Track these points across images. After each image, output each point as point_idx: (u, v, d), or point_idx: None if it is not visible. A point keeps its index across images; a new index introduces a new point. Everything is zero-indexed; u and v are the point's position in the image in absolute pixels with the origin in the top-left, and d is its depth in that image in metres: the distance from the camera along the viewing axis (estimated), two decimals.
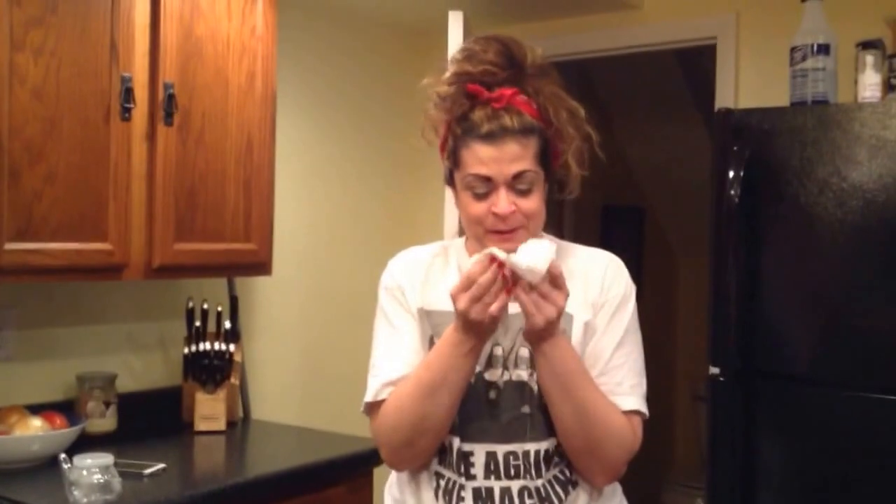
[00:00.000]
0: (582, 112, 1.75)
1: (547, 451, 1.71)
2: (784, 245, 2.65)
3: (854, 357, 2.54)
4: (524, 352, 1.72)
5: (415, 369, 1.71)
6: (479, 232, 1.71)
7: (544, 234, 1.80)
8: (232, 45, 2.98)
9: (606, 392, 1.70)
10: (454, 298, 1.59)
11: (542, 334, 1.61)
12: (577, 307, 1.73)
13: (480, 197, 1.68)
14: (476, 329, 1.61)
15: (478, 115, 1.68)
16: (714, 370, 2.72)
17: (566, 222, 5.18)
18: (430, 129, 1.79)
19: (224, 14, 2.95)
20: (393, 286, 1.82)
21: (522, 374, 1.72)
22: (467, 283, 1.58)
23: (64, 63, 2.54)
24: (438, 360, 1.66)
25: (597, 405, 1.66)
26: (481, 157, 1.66)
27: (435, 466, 1.75)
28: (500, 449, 1.71)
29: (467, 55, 1.73)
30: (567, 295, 1.59)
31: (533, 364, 1.70)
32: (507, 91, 1.69)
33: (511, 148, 1.65)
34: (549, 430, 1.70)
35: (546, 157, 1.71)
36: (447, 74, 1.75)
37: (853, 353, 2.54)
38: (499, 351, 1.73)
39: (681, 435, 5.94)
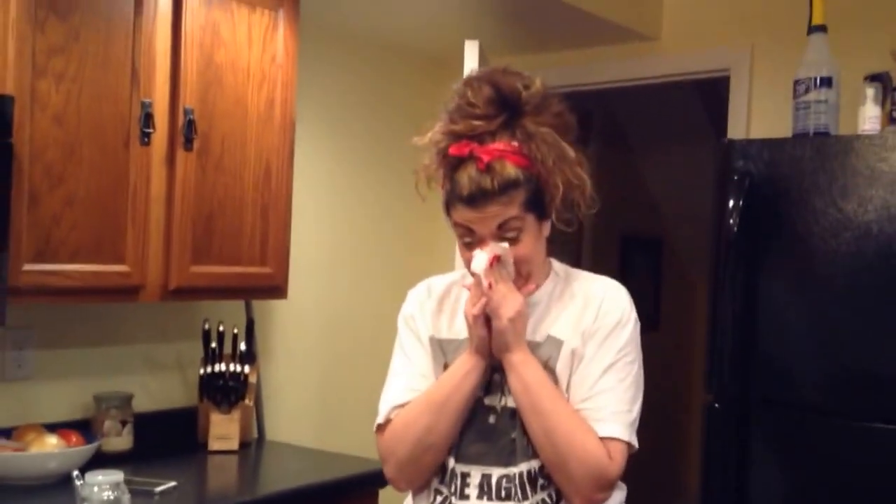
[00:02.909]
0: (571, 155, 1.72)
1: (531, 473, 1.74)
2: (782, 274, 2.67)
3: (850, 386, 2.55)
4: None
5: (426, 389, 1.80)
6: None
7: (553, 262, 1.88)
8: (252, 73, 3.02)
9: (587, 417, 1.72)
10: (466, 315, 1.76)
11: (506, 341, 1.72)
12: (569, 333, 1.78)
13: (469, 245, 1.75)
14: (479, 344, 1.74)
15: (462, 176, 1.68)
16: (709, 397, 2.74)
17: (585, 252, 5.20)
18: (423, 182, 1.80)
19: (245, 42, 2.99)
20: (407, 316, 1.91)
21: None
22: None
23: (85, 89, 2.59)
24: (445, 380, 1.78)
25: (561, 421, 1.69)
26: (465, 217, 1.72)
27: (435, 484, 1.81)
28: (496, 472, 1.76)
29: (456, 107, 1.72)
30: (522, 300, 1.73)
31: None
32: (490, 150, 1.67)
33: (492, 209, 1.69)
34: (534, 451, 1.74)
35: (538, 202, 1.73)
36: (436, 128, 1.75)
37: (850, 381, 2.55)
38: (498, 378, 1.79)
39: (695, 467, 5.88)
